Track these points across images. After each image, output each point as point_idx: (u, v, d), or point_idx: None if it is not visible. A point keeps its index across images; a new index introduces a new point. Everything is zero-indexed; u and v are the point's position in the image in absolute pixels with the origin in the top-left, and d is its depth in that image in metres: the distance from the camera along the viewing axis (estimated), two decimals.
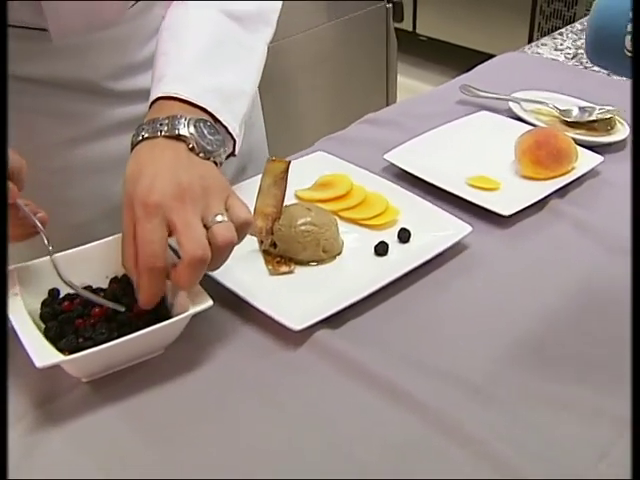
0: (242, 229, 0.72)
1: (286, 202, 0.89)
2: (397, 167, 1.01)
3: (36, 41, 0.89)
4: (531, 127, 1.08)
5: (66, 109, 0.95)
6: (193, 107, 0.78)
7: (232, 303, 0.79)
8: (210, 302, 0.72)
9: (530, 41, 3.26)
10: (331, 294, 0.80)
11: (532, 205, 0.94)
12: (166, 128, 0.74)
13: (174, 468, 0.65)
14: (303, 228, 0.84)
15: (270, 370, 0.74)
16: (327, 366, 0.73)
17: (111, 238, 0.80)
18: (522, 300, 0.82)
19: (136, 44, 0.96)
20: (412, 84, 3.51)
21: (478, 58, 1.53)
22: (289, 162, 0.82)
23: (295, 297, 0.80)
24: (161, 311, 0.75)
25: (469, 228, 0.88)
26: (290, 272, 0.84)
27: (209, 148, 0.75)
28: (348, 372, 0.72)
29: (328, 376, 0.72)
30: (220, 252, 0.70)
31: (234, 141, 0.82)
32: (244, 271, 0.84)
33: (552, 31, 3.24)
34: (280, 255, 0.85)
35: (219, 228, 0.70)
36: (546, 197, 0.96)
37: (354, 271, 0.84)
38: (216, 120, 0.79)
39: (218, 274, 0.80)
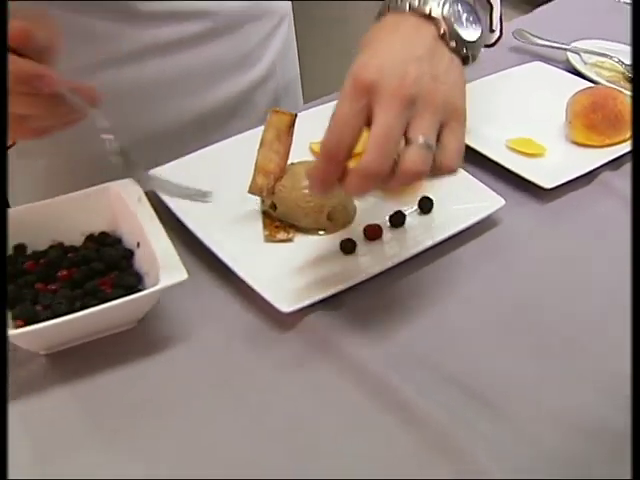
0: (439, 169, 0.58)
1: (298, 156, 0.79)
2: None
3: None
4: (589, 84, 0.95)
5: (89, 30, 0.88)
6: None
7: (219, 271, 0.70)
8: (184, 275, 0.62)
9: None
10: (332, 271, 0.70)
11: (580, 177, 0.82)
12: (417, 2, 0.61)
13: (119, 463, 0.57)
14: (306, 191, 0.73)
15: (251, 356, 0.65)
16: (317, 356, 0.64)
17: (90, 190, 0.71)
18: (556, 294, 0.70)
19: None
20: None
21: None
22: (295, 115, 0.71)
23: (290, 271, 0.70)
24: (133, 281, 0.66)
25: (501, 201, 0.76)
26: (288, 240, 0.74)
27: (464, 36, 0.61)
28: (340, 367, 0.63)
29: (316, 369, 0.63)
30: (401, 180, 0.56)
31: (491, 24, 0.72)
32: (238, 234, 0.74)
33: None
34: (280, 219, 0.75)
35: (409, 154, 0.55)
36: (597, 168, 0.83)
37: (362, 245, 0.73)
38: None
39: (206, 235, 0.72)
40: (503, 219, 0.78)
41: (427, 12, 0.61)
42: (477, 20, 0.63)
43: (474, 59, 0.63)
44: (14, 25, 0.59)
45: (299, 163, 0.77)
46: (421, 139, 0.56)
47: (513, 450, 0.57)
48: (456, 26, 0.61)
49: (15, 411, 0.59)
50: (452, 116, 0.59)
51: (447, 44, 0.61)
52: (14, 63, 0.58)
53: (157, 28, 0.90)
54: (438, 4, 0.61)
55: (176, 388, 0.62)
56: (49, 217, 0.70)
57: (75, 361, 0.64)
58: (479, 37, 0.62)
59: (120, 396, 0.61)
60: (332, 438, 0.58)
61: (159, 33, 0.91)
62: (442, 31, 0.60)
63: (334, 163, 0.57)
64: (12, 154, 0.92)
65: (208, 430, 0.59)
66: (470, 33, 0.62)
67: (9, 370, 0.62)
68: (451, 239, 0.74)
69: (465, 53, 0.62)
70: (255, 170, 0.74)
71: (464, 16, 0.62)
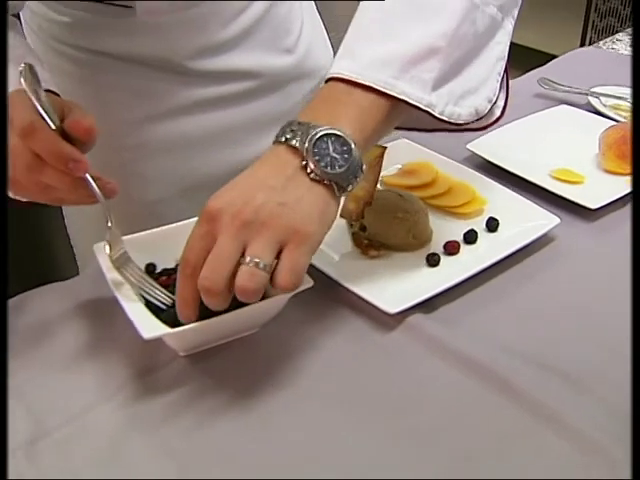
0: (274, 286, 0.64)
1: None
2: (480, 157, 1.01)
3: (119, 17, 0.90)
4: (612, 122, 1.08)
5: (144, 87, 0.96)
6: (360, 89, 0.69)
7: (324, 284, 0.80)
8: (311, 282, 0.71)
9: (583, 39, 3.23)
10: (422, 280, 0.81)
11: (617, 200, 0.94)
12: (289, 135, 0.67)
13: (261, 442, 0.65)
14: (395, 214, 0.84)
15: (365, 353, 0.74)
16: (422, 350, 0.74)
17: (183, 222, 0.80)
18: (613, 295, 0.81)
19: (217, 25, 0.96)
20: None
21: (530, 56, 1.52)
22: (385, 147, 0.83)
23: (387, 281, 0.81)
24: None
25: (557, 220, 0.88)
26: (379, 256, 0.84)
27: (326, 169, 0.66)
28: (443, 356, 0.73)
29: (423, 360, 0.73)
30: (238, 295, 0.64)
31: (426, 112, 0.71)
32: (335, 252, 0.84)
33: (607, 29, 3.22)
34: (368, 239, 0.85)
35: (239, 273, 0.63)
36: (631, 192, 0.95)
37: (444, 258, 0.84)
38: (388, 97, 0.69)
39: None
40: (558, 236, 0.89)
41: (294, 144, 0.66)
42: (348, 153, 0.66)
43: (342, 189, 0.67)
44: (85, 121, 0.69)
45: (384, 190, 0.88)
46: (250, 261, 0.62)
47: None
48: (317, 159, 0.65)
49: (164, 406, 0.69)
50: (291, 238, 0.63)
51: (308, 175, 0.65)
52: (60, 144, 0.67)
53: (205, 86, 0.98)
54: (305, 138, 0.65)
55: (300, 382, 0.71)
56: (173, 240, 0.79)
57: (210, 360, 0.73)
58: (343, 171, 0.66)
59: (253, 386, 0.70)
60: (452, 424, 0.67)
61: (206, 90, 0.99)
62: (303, 163, 0.65)
63: (186, 280, 0.65)
64: None
65: (334, 416, 0.68)
66: (332, 165, 0.66)
67: (152, 370, 0.72)
68: (517, 252, 0.85)
69: (328, 184, 0.66)
70: (347, 197, 0.84)
71: (330, 149, 0.66)
